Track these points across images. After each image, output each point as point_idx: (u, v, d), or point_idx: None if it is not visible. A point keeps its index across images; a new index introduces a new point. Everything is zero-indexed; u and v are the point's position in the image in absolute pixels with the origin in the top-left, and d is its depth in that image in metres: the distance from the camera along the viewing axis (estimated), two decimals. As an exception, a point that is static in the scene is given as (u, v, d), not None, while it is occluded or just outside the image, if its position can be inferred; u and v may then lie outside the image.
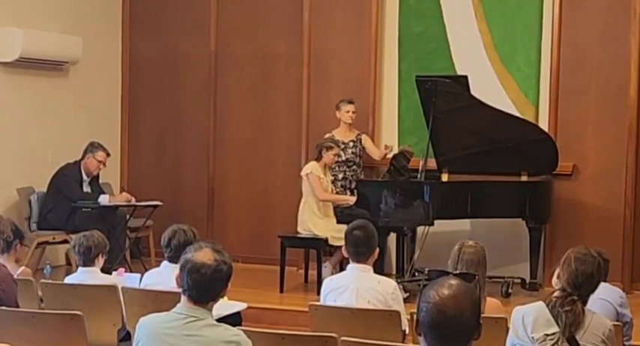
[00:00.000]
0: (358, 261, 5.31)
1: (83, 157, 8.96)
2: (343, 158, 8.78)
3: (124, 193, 9.27)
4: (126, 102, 10.49)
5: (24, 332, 4.91)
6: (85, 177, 8.98)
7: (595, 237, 8.29)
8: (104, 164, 9.02)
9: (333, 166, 8.71)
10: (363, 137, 8.93)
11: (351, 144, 8.84)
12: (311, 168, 8.46)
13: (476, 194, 8.12)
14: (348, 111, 8.81)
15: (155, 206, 9.18)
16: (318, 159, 8.48)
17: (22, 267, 6.10)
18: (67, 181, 8.88)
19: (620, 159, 8.61)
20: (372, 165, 9.10)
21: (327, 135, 8.81)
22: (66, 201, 8.80)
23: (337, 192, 8.68)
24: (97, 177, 9.12)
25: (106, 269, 6.33)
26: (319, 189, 8.40)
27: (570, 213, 8.73)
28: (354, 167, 8.81)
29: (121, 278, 6.10)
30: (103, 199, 8.88)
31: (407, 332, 5.13)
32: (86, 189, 8.99)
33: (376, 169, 9.12)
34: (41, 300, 5.78)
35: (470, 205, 8.07)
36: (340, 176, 8.78)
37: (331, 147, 8.47)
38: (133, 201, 9.08)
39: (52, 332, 4.95)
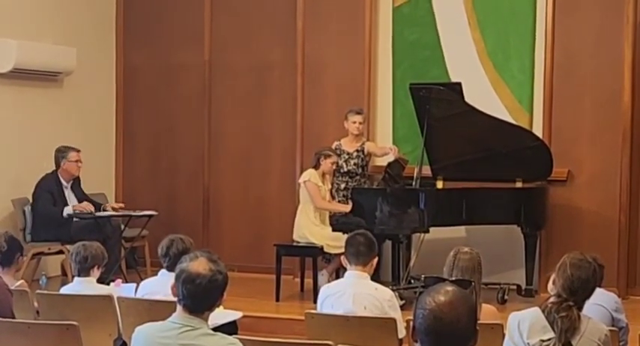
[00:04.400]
0: (357, 264, 5.33)
1: (59, 165, 8.94)
2: (345, 169, 8.74)
3: (85, 203, 9.10)
4: (120, 112, 10.49)
5: (20, 343, 4.91)
6: (65, 183, 8.96)
7: (590, 243, 8.29)
8: (80, 161, 9.00)
9: (336, 175, 8.71)
10: (367, 144, 8.88)
11: (355, 154, 8.76)
12: (309, 175, 8.47)
13: (471, 201, 8.13)
14: (354, 122, 8.73)
15: (150, 216, 9.17)
16: (316, 167, 8.48)
17: (21, 281, 6.10)
18: (39, 194, 8.87)
19: (615, 165, 8.63)
20: (369, 174, 9.07)
21: (335, 144, 8.78)
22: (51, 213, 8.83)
23: (340, 202, 8.66)
24: (79, 180, 9.09)
25: (103, 280, 6.33)
26: (317, 197, 8.40)
27: (565, 219, 8.73)
28: (357, 177, 8.77)
29: (118, 289, 6.10)
30: (67, 210, 8.86)
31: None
32: (68, 194, 8.96)
33: (371, 177, 9.11)
34: (37, 313, 5.77)
35: (465, 212, 8.08)
36: (342, 186, 8.76)
37: (329, 155, 8.47)
38: (91, 209, 8.98)
39: (48, 342, 4.95)
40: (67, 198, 8.97)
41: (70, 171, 8.96)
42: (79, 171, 9.02)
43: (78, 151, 8.99)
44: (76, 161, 8.96)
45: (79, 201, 9.01)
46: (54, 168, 8.96)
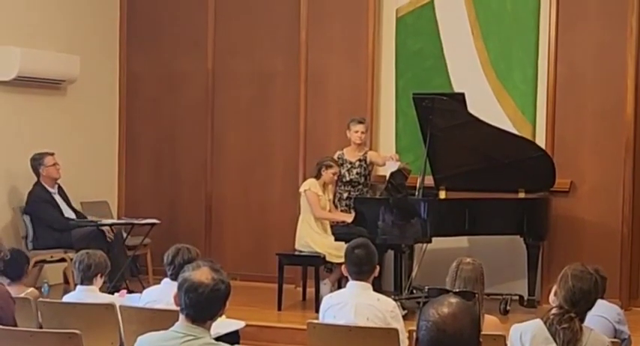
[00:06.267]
0: (360, 280, 5.32)
1: (39, 175, 8.92)
2: (347, 178, 8.74)
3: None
4: (123, 120, 10.50)
5: (22, 352, 4.91)
6: (51, 189, 8.95)
7: (593, 254, 8.30)
8: (57, 163, 8.96)
9: (339, 185, 8.72)
10: (369, 154, 8.89)
11: (357, 163, 8.76)
12: (309, 184, 8.47)
13: (473, 211, 8.12)
14: (357, 131, 8.74)
15: (153, 224, 9.18)
16: (318, 176, 8.49)
17: (31, 289, 6.11)
18: (37, 206, 8.85)
19: (618, 176, 8.63)
20: (372, 183, 9.06)
21: (337, 153, 8.79)
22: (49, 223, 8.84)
23: (342, 211, 8.66)
24: (61, 187, 9.08)
25: (108, 287, 6.33)
26: (316, 206, 8.41)
27: (568, 230, 8.73)
28: (360, 187, 8.78)
29: (122, 300, 6.09)
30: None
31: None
32: (59, 200, 8.97)
33: (374, 187, 9.11)
34: (40, 326, 5.76)
35: (467, 222, 8.07)
36: (345, 195, 8.76)
37: (330, 166, 8.48)
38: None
39: (50, 351, 4.95)
40: (59, 204, 8.97)
41: (51, 176, 8.94)
42: (59, 173, 9.00)
43: (52, 154, 8.97)
44: (54, 164, 8.94)
45: (69, 206, 9.03)
46: (35, 179, 8.94)
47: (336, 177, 8.58)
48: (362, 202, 8.39)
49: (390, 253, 8.46)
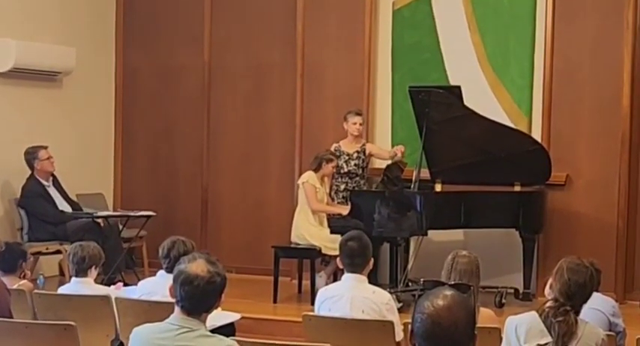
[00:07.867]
0: (353, 272, 5.33)
1: (33, 168, 8.89)
2: (345, 170, 8.75)
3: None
4: (119, 113, 10.49)
5: (17, 343, 4.91)
6: (45, 182, 8.94)
7: (588, 247, 8.29)
8: (51, 157, 8.95)
9: (335, 177, 8.72)
10: (368, 146, 8.89)
11: (355, 155, 8.78)
12: (307, 177, 8.49)
13: (469, 204, 8.13)
14: (355, 123, 8.75)
15: (148, 216, 9.17)
16: (317, 170, 8.49)
17: (24, 281, 6.11)
18: (31, 201, 8.83)
19: (613, 170, 8.63)
20: (368, 175, 9.06)
21: (334, 146, 8.79)
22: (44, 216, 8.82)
23: (339, 203, 8.67)
24: (57, 178, 9.07)
25: (105, 279, 6.31)
26: (313, 198, 8.42)
27: (564, 224, 8.73)
28: (357, 178, 8.79)
29: (119, 292, 6.09)
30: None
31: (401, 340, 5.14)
32: (53, 193, 8.96)
33: (370, 179, 9.11)
34: (36, 318, 5.77)
35: (463, 215, 8.08)
36: (342, 187, 8.77)
37: (331, 160, 8.50)
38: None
39: (46, 342, 4.95)
40: (54, 197, 8.96)
41: (45, 170, 8.93)
42: (54, 166, 8.99)
43: (46, 148, 8.96)
44: (48, 158, 8.93)
45: (64, 198, 9.02)
46: (29, 172, 8.92)
47: (335, 170, 8.60)
48: (358, 195, 8.39)
49: (386, 246, 8.47)
